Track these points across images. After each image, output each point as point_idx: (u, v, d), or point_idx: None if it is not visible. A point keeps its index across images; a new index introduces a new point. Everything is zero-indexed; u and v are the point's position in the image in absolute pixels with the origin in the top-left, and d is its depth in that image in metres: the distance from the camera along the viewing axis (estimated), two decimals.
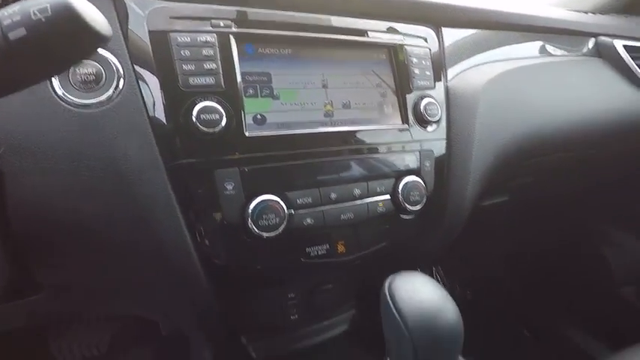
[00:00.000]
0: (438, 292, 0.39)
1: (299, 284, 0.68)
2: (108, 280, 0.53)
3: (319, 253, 0.52)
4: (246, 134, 0.47)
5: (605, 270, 1.16)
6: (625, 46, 0.88)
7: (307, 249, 0.51)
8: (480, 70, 0.73)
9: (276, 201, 0.47)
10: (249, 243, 0.48)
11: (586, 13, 0.93)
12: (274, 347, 0.69)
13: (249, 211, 0.46)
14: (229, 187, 0.46)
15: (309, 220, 0.50)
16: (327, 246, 0.52)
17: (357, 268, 0.57)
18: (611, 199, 1.18)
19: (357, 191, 0.53)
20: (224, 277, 0.52)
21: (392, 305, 0.38)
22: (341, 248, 0.53)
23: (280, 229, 0.47)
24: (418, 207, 0.56)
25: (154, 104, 0.44)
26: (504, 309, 1.47)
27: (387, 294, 0.40)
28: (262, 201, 0.46)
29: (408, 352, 0.37)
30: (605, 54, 0.91)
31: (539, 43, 0.84)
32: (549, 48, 0.85)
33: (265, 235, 0.47)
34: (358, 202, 0.53)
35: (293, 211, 0.49)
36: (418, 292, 0.39)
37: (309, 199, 0.50)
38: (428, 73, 0.61)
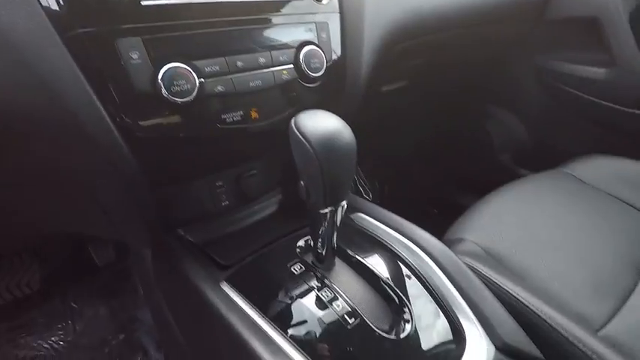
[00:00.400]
0: (335, 119, 0.47)
1: (225, 172, 0.73)
2: (30, 171, 0.53)
3: (234, 119, 0.57)
4: (142, 3, 0.48)
5: (488, 142, 1.38)
6: None
7: (223, 115, 0.56)
8: None
9: (184, 68, 0.50)
10: (167, 111, 0.51)
11: None
12: (210, 232, 0.75)
13: (160, 78, 0.49)
14: (135, 56, 0.48)
15: (220, 88, 0.54)
16: (241, 112, 0.57)
17: (271, 136, 0.63)
18: (491, 81, 1.37)
19: (261, 60, 0.57)
20: (149, 154, 0.55)
21: (298, 133, 0.45)
22: (254, 115, 0.59)
23: (193, 94, 0.51)
24: (319, 74, 0.63)
25: None
26: (416, 196, 1.68)
27: (294, 126, 0.46)
28: (171, 68, 0.49)
29: (316, 169, 0.45)
30: None
31: None
32: None
33: (180, 100, 0.50)
34: (265, 70, 0.58)
35: (204, 80, 0.52)
36: (319, 121, 0.46)
37: (217, 67, 0.53)
38: None
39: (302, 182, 0.49)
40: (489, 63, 1.29)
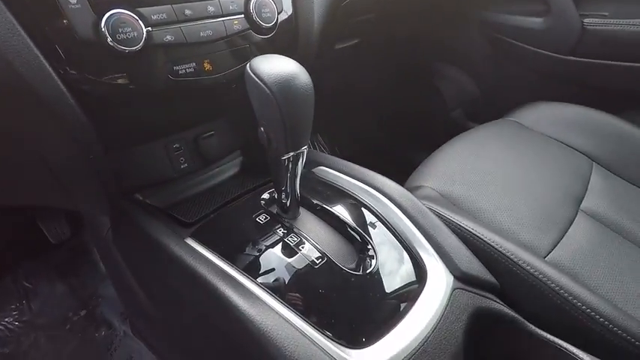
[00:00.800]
0: (291, 62, 0.47)
1: (182, 134, 0.71)
2: None
3: (187, 71, 0.55)
4: None
5: (440, 99, 1.43)
6: None
7: (174, 67, 0.53)
8: None
9: (129, 14, 0.47)
10: (114, 61, 0.48)
11: None
12: (171, 195, 0.73)
13: (103, 25, 0.46)
14: (73, 0, 0.44)
15: (169, 37, 0.52)
16: (194, 64, 0.55)
17: (227, 91, 0.62)
18: (439, 38, 1.39)
19: (210, 8, 0.55)
20: (101, 111, 0.52)
21: (254, 76, 0.45)
22: (207, 66, 0.57)
23: (140, 43, 0.48)
24: (271, 24, 0.61)
25: None
26: (375, 158, 1.72)
27: (250, 70, 0.46)
28: (114, 13, 0.46)
29: (275, 112, 0.45)
30: None
31: None
32: None
33: (127, 49, 0.47)
34: (215, 20, 0.56)
35: (151, 28, 0.50)
36: (276, 64, 0.46)
37: (164, 15, 0.51)
38: None
39: (262, 128, 0.49)
40: (434, 19, 1.31)
